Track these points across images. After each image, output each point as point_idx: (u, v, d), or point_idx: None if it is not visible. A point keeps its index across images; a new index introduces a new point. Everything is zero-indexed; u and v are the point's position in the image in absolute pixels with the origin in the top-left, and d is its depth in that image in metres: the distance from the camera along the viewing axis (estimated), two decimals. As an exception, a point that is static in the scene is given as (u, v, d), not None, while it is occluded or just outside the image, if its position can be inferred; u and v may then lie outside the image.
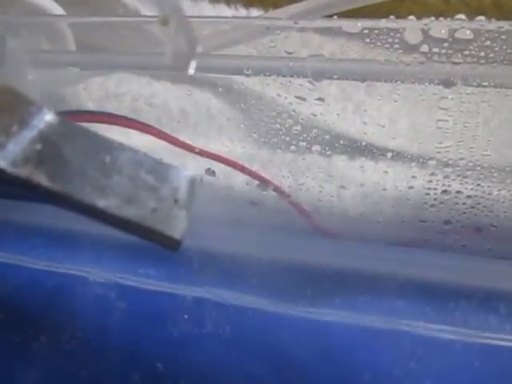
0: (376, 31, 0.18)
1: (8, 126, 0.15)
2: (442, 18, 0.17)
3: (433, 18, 0.17)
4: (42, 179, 0.14)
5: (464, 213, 0.22)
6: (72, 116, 0.24)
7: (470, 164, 0.21)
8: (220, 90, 0.22)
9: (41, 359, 0.21)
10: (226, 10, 0.30)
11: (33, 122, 0.15)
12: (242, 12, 0.30)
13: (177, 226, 0.15)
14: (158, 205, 0.15)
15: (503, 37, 0.17)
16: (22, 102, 0.15)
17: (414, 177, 0.22)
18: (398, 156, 0.22)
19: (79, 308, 0.22)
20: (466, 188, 0.22)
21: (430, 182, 0.22)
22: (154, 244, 0.15)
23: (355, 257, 0.22)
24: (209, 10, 0.30)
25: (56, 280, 0.22)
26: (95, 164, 0.15)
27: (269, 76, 0.20)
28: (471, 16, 0.19)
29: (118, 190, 0.15)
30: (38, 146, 0.15)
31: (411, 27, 0.18)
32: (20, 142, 0.15)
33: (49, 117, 0.15)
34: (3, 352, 0.21)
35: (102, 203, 0.15)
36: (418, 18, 0.19)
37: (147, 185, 0.15)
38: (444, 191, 0.22)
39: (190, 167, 0.25)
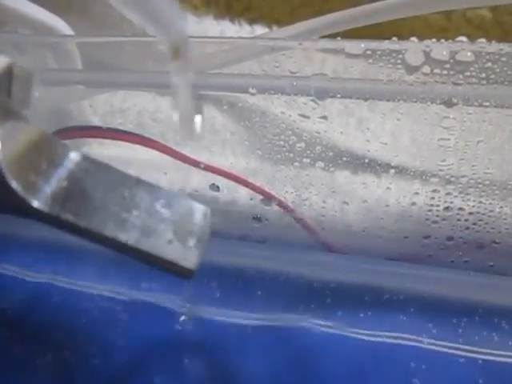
0: (379, 52, 0.18)
1: (38, 166, 0.15)
2: (443, 40, 0.18)
3: (434, 40, 0.18)
4: (68, 216, 0.15)
5: (466, 229, 0.22)
6: (77, 132, 0.24)
7: (472, 181, 0.21)
8: (225, 107, 0.23)
9: (44, 374, 0.21)
10: (229, 27, 0.30)
11: (59, 160, 0.16)
12: (246, 28, 0.30)
13: (191, 257, 0.16)
14: (174, 236, 0.16)
15: (504, 59, 0.18)
16: (49, 141, 0.16)
17: (416, 193, 0.22)
18: (401, 173, 0.22)
19: (82, 322, 0.22)
20: (468, 205, 0.22)
21: (433, 198, 0.22)
22: (170, 273, 0.16)
23: (358, 272, 0.22)
24: (213, 26, 0.30)
25: (59, 294, 0.23)
26: (116, 199, 0.16)
27: (273, 94, 0.20)
28: (473, 32, 0.19)
29: (137, 224, 0.16)
30: (65, 184, 0.16)
31: (413, 49, 0.18)
32: (49, 181, 0.15)
33: (73, 155, 0.16)
34: (6, 366, 0.22)
35: (122, 237, 0.15)
36: (420, 34, 0.19)
37: (163, 218, 0.16)
38: (446, 208, 0.22)
39: (194, 181, 0.25)
